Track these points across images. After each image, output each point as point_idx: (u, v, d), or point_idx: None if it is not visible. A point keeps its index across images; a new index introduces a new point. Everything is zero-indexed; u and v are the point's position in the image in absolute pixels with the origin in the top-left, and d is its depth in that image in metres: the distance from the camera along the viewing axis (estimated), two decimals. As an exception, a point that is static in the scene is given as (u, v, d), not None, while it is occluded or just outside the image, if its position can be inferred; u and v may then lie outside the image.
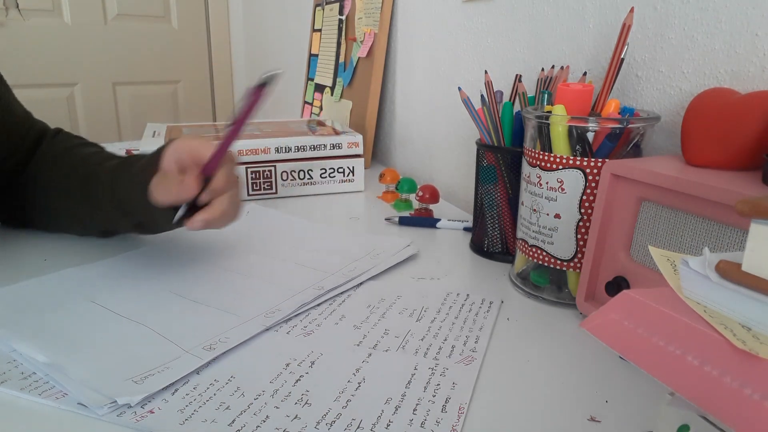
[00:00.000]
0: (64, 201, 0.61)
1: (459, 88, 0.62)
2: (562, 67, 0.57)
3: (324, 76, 1.25)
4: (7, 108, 0.64)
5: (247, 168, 0.80)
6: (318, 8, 1.31)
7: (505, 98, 0.61)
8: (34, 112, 0.70)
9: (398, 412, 0.35)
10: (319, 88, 1.28)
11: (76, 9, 2.00)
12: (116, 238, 0.64)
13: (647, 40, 0.53)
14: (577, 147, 0.47)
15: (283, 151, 0.82)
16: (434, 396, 0.36)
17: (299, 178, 0.84)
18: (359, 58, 1.07)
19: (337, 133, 0.87)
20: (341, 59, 1.16)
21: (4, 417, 0.34)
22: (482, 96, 0.57)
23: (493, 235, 0.61)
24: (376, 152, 1.14)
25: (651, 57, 0.52)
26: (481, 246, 0.62)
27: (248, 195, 0.82)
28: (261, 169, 0.81)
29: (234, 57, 2.35)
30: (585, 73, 0.58)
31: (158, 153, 0.52)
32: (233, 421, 0.34)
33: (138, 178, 0.51)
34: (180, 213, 0.50)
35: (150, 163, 0.52)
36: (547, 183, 0.48)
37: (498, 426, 0.34)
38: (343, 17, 1.15)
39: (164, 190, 0.48)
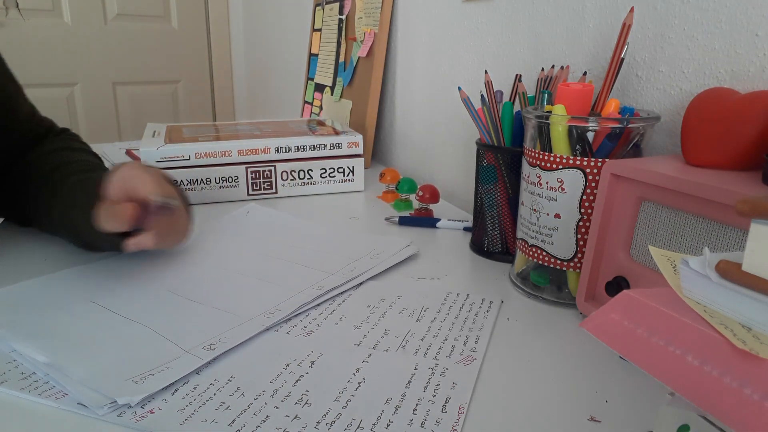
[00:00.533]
0: (34, 200, 0.61)
1: (459, 88, 0.62)
2: (562, 67, 0.57)
3: (324, 76, 1.25)
4: (13, 108, 0.65)
5: (247, 168, 0.80)
6: (318, 8, 1.31)
7: (505, 98, 0.61)
8: (33, 113, 0.70)
9: (398, 412, 0.35)
10: (319, 87, 1.28)
11: (76, 9, 2.01)
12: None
13: (647, 40, 0.53)
14: (577, 147, 0.47)
15: (283, 151, 0.82)
16: (434, 396, 0.36)
17: (299, 178, 0.84)
18: (359, 57, 1.07)
19: (337, 132, 0.87)
20: (341, 59, 1.16)
21: (4, 417, 0.34)
22: (482, 96, 0.57)
23: (493, 235, 0.61)
24: (376, 152, 1.14)
25: (651, 57, 0.52)
26: (481, 246, 0.62)
27: (248, 195, 0.82)
28: (261, 169, 0.81)
29: (234, 57, 2.35)
30: (585, 73, 0.58)
31: (106, 179, 0.52)
32: (233, 421, 0.34)
33: (88, 202, 0.51)
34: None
35: (98, 189, 0.52)
36: (547, 183, 0.48)
37: (498, 426, 0.34)
38: (343, 17, 1.15)
39: (104, 218, 0.48)
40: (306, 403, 0.35)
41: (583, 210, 0.47)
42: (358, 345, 0.43)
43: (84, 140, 0.72)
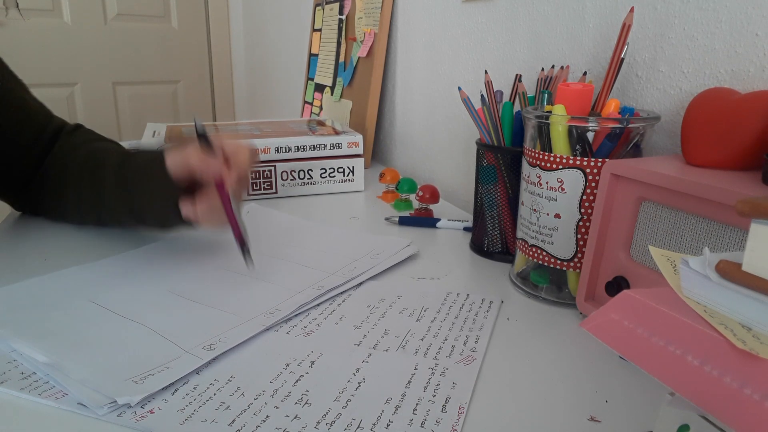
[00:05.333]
0: (73, 188, 0.62)
1: (459, 88, 0.62)
2: (562, 67, 0.57)
3: (324, 76, 1.25)
4: (21, 104, 0.66)
5: (247, 168, 0.80)
6: (318, 8, 1.31)
7: (505, 98, 0.61)
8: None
9: (398, 412, 0.35)
10: (319, 87, 1.28)
11: (76, 9, 2.00)
12: (116, 239, 0.63)
13: (647, 40, 0.53)
14: (577, 147, 0.47)
15: (283, 151, 0.82)
16: (434, 396, 0.36)
17: (299, 178, 0.84)
18: (359, 57, 1.07)
19: (337, 133, 0.87)
20: (341, 59, 1.16)
21: (4, 417, 0.34)
22: (482, 96, 0.57)
23: (493, 235, 0.61)
24: (376, 152, 1.14)
25: (651, 57, 0.52)
26: (481, 246, 0.62)
27: (248, 195, 0.82)
28: (261, 169, 0.81)
29: (234, 57, 2.35)
30: (585, 73, 0.58)
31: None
32: (233, 421, 0.34)
33: (148, 160, 0.54)
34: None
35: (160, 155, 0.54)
36: (547, 183, 0.48)
37: (498, 426, 0.34)
38: (343, 17, 1.15)
39: (180, 157, 0.51)
40: (306, 403, 0.35)
41: (583, 210, 0.47)
42: (358, 345, 0.43)
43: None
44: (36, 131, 0.66)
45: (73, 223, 0.67)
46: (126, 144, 0.70)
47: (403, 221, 0.71)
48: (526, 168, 0.51)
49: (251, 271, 0.54)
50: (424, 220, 0.71)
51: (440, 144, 0.92)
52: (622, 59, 0.48)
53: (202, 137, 0.52)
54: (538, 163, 0.48)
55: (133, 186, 0.56)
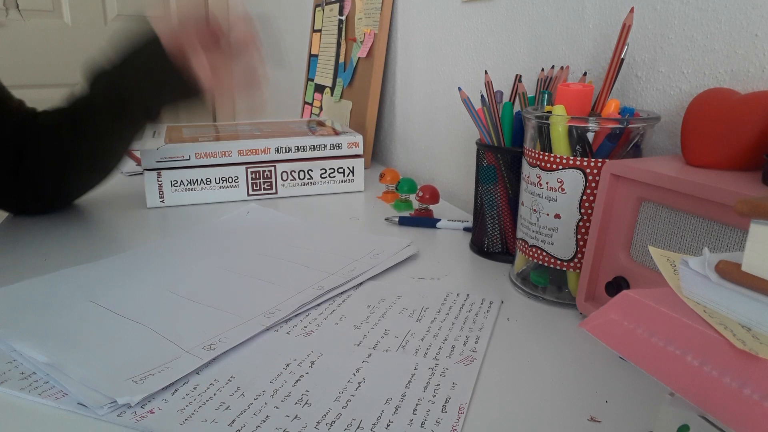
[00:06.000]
0: (71, 132, 0.63)
1: (459, 88, 0.62)
2: (562, 68, 0.57)
3: (324, 77, 1.25)
4: (2, 97, 0.67)
5: (247, 168, 0.80)
6: (318, 8, 1.31)
7: (505, 98, 0.61)
8: (33, 113, 0.71)
9: (398, 412, 0.35)
10: (319, 88, 1.28)
11: (76, 9, 2.00)
12: (116, 238, 0.64)
13: (647, 40, 0.53)
14: (577, 147, 0.47)
15: (283, 151, 0.82)
16: (434, 396, 0.36)
17: (299, 178, 0.84)
18: (359, 58, 1.07)
19: (337, 133, 0.87)
20: (341, 59, 1.16)
21: (4, 417, 0.34)
22: (482, 96, 0.57)
23: (493, 235, 0.61)
24: (376, 152, 1.14)
25: (651, 57, 0.52)
26: (481, 246, 0.62)
27: (248, 195, 0.82)
28: (261, 169, 0.81)
29: (234, 57, 2.35)
30: (585, 73, 0.58)
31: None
32: (233, 421, 0.34)
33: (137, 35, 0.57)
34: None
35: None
36: (547, 183, 0.48)
37: (498, 426, 0.34)
38: (343, 17, 1.15)
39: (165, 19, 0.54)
40: (306, 403, 0.35)
41: (583, 210, 0.47)
42: (358, 345, 0.43)
43: None
44: (18, 124, 0.66)
45: (87, 184, 0.68)
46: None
47: (403, 221, 0.71)
48: (526, 168, 0.51)
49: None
50: (424, 220, 0.71)
51: (440, 144, 0.92)
52: (622, 59, 0.48)
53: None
54: (538, 163, 0.48)
55: (119, 62, 0.58)
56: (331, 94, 1.20)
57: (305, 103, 1.38)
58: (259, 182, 0.82)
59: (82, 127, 0.62)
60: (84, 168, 0.67)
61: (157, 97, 0.58)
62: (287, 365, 0.40)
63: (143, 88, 0.56)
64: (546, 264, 0.50)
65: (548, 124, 0.47)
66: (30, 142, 0.65)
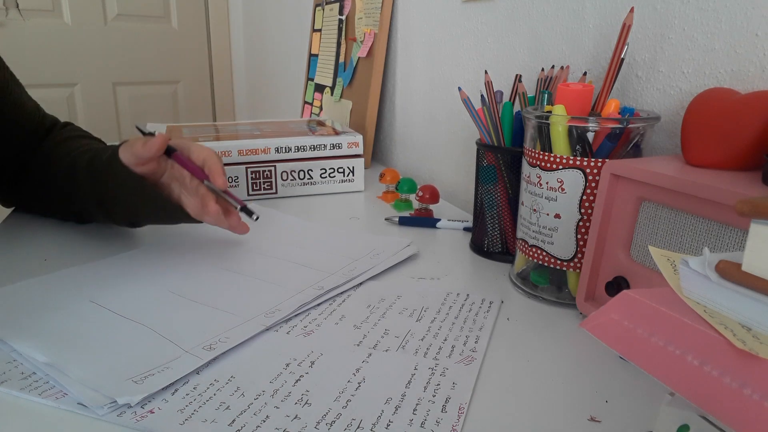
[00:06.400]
0: (53, 185, 0.64)
1: (459, 88, 0.62)
2: (562, 67, 0.57)
3: (324, 76, 1.25)
4: (18, 103, 0.67)
5: (247, 168, 0.80)
6: (318, 8, 1.31)
7: (505, 98, 0.61)
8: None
9: (398, 412, 0.35)
10: (319, 88, 1.28)
11: (76, 9, 2.01)
12: (116, 238, 0.64)
13: (647, 40, 0.53)
14: (577, 147, 0.47)
15: (283, 151, 0.82)
16: (434, 396, 0.36)
17: (299, 178, 0.84)
18: (359, 58, 1.07)
19: (337, 133, 0.87)
20: (341, 59, 1.16)
21: (4, 417, 0.34)
22: (482, 96, 0.57)
23: (493, 235, 0.61)
24: (376, 152, 1.14)
25: (651, 57, 0.52)
26: (481, 246, 0.62)
27: (248, 195, 0.82)
28: (261, 169, 0.81)
29: (234, 57, 2.35)
30: (585, 73, 0.58)
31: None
32: (233, 421, 0.34)
33: (109, 155, 0.57)
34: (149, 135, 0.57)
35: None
36: (547, 183, 0.48)
37: (498, 426, 0.34)
38: (343, 17, 1.15)
39: (128, 147, 0.55)
40: (306, 403, 0.35)
41: (583, 210, 0.47)
42: (358, 345, 0.43)
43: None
44: (30, 130, 0.67)
45: (57, 219, 0.68)
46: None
47: (403, 221, 0.71)
48: (526, 168, 0.51)
49: (257, 222, 0.58)
50: (424, 220, 0.71)
51: (440, 144, 0.92)
52: (622, 59, 0.48)
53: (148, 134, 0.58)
54: (538, 163, 0.48)
55: (97, 181, 0.58)
56: (331, 94, 1.20)
57: (305, 102, 1.38)
58: (259, 182, 0.82)
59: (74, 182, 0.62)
60: (56, 207, 0.67)
61: (134, 214, 0.59)
62: (287, 365, 0.40)
63: (121, 201, 0.58)
64: (546, 264, 0.50)
65: (548, 124, 0.47)
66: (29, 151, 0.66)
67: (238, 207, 0.57)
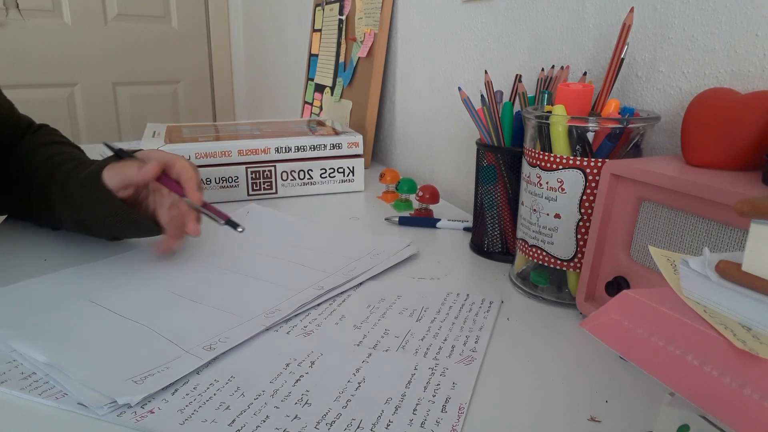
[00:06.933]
0: (27, 194, 0.62)
1: (459, 88, 0.62)
2: (562, 67, 0.57)
3: (324, 76, 1.25)
4: None
5: (247, 168, 0.80)
6: (318, 8, 1.31)
7: (505, 98, 0.61)
8: (33, 112, 0.71)
9: (398, 412, 0.35)
10: (319, 88, 1.28)
11: (76, 9, 2.01)
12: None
13: (647, 40, 0.53)
14: (577, 147, 0.47)
15: (283, 151, 0.82)
16: (434, 396, 0.36)
17: (299, 178, 0.84)
18: (359, 58, 1.07)
19: (337, 133, 0.87)
20: (341, 59, 1.16)
21: (4, 417, 0.34)
22: (482, 96, 0.57)
23: (493, 235, 0.61)
24: (376, 152, 1.14)
25: (651, 57, 0.52)
26: (481, 246, 0.62)
27: (248, 195, 0.82)
28: (261, 169, 0.81)
29: (234, 57, 2.35)
30: (585, 73, 0.58)
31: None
32: (233, 421, 0.34)
33: (90, 176, 0.56)
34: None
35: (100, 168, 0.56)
36: (547, 183, 0.48)
37: (498, 426, 0.34)
38: (343, 17, 1.15)
39: (118, 171, 0.54)
40: (306, 403, 0.35)
41: (583, 210, 0.47)
42: (358, 345, 0.43)
43: (72, 138, 0.72)
44: (5, 132, 0.66)
45: (30, 223, 0.67)
46: (126, 144, 0.70)
47: (403, 221, 0.71)
48: (526, 168, 0.51)
49: (243, 233, 0.57)
50: (424, 220, 0.71)
51: (440, 144, 0.92)
52: (622, 59, 0.48)
53: (124, 155, 0.57)
54: (538, 163, 0.48)
55: (77, 202, 0.56)
56: (331, 94, 1.20)
57: (305, 102, 1.38)
58: (259, 182, 0.82)
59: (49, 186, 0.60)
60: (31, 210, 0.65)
61: (115, 235, 0.60)
62: (287, 365, 0.40)
63: (100, 225, 0.57)
64: (546, 264, 0.50)
65: (548, 124, 0.47)
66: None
67: (222, 222, 0.56)
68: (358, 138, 0.85)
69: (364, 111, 1.04)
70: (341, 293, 0.51)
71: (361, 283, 0.53)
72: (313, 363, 0.40)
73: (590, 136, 0.47)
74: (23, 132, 0.68)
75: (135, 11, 2.13)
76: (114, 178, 0.54)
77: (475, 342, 0.43)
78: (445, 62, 0.87)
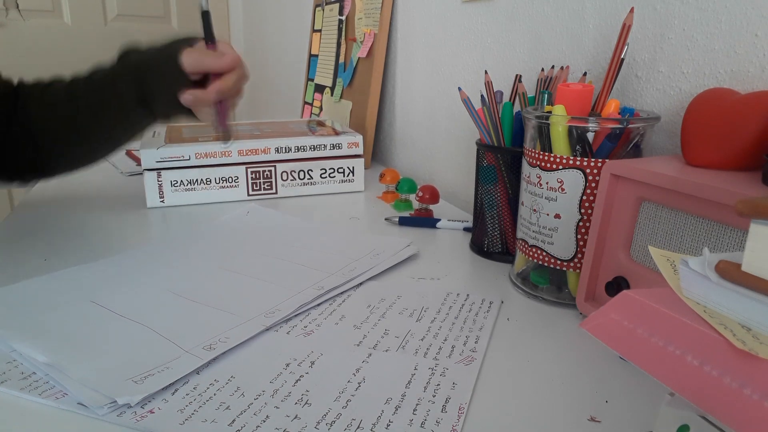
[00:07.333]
0: (71, 106, 0.64)
1: (459, 88, 0.62)
2: (562, 68, 0.57)
3: (324, 77, 1.25)
4: None
5: (247, 168, 0.80)
6: (318, 8, 1.31)
7: (505, 98, 0.61)
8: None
9: (398, 412, 0.35)
10: (319, 88, 1.28)
11: (76, 9, 2.00)
12: (116, 238, 0.64)
13: (647, 40, 0.53)
14: (577, 147, 0.47)
15: (283, 151, 0.82)
16: (434, 396, 0.36)
17: (299, 178, 0.84)
18: (359, 58, 1.07)
19: (337, 133, 0.87)
20: (341, 59, 1.16)
21: (4, 417, 0.34)
22: (482, 96, 0.57)
23: (493, 235, 0.61)
24: (376, 152, 1.14)
25: (651, 57, 0.52)
26: (481, 246, 0.62)
27: (248, 195, 0.82)
28: (261, 169, 0.81)
29: (234, 57, 2.35)
30: (585, 73, 0.58)
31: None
32: (233, 421, 0.34)
33: (167, 51, 0.61)
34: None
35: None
36: (547, 183, 0.48)
37: (498, 426, 0.34)
38: (343, 17, 1.15)
39: (197, 58, 0.60)
40: (306, 403, 0.35)
41: (583, 210, 0.47)
42: (358, 345, 0.43)
43: None
44: None
45: (87, 160, 0.69)
46: (125, 145, 0.70)
47: (403, 221, 0.71)
48: (526, 168, 0.51)
49: (228, 146, 0.64)
50: (424, 220, 0.71)
51: (440, 144, 0.92)
52: (622, 59, 0.48)
53: (207, 31, 0.62)
54: (538, 163, 0.48)
55: (146, 77, 0.61)
56: (331, 94, 1.20)
57: (305, 103, 1.38)
58: (259, 182, 0.82)
59: (89, 97, 0.64)
60: (76, 141, 0.66)
61: (164, 100, 0.63)
62: (287, 365, 0.40)
63: (160, 82, 0.61)
64: (546, 264, 0.50)
65: (548, 124, 0.47)
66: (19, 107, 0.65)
67: (219, 129, 0.62)
68: (358, 138, 0.85)
69: (364, 111, 1.04)
70: (341, 293, 0.51)
71: (361, 283, 0.53)
72: (313, 363, 0.40)
73: (590, 136, 0.47)
74: (7, 95, 0.65)
75: (135, 11, 2.13)
76: (190, 57, 0.59)
77: (475, 342, 0.43)
78: (445, 62, 0.87)
